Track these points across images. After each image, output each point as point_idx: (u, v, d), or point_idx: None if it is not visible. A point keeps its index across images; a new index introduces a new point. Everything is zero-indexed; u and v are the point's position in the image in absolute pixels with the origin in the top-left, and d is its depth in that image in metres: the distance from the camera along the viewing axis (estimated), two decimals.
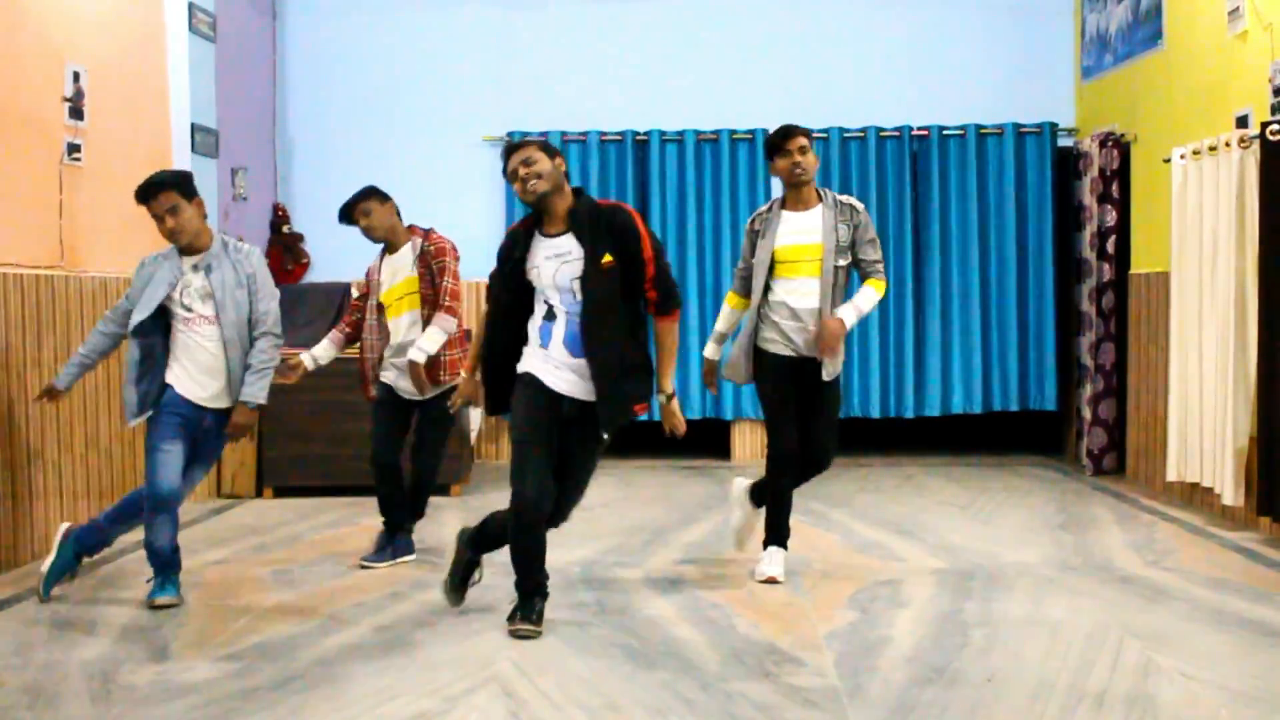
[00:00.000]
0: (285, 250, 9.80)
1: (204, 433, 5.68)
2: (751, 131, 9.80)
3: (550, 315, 5.02)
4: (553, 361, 4.99)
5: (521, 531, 4.96)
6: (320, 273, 9.86)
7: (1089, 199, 8.99)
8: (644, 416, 5.55)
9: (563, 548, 6.51)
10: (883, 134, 9.75)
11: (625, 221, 4.93)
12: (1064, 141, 9.84)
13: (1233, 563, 6.22)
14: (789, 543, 6.02)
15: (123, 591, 5.83)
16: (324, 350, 6.52)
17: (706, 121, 9.88)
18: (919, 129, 9.76)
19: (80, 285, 6.93)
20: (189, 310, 5.60)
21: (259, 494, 8.36)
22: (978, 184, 9.71)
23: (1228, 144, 6.96)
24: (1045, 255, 9.68)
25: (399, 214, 6.51)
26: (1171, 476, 7.61)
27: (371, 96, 10.05)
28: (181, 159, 8.09)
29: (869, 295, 5.80)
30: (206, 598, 5.73)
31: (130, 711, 4.20)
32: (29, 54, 6.54)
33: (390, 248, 6.45)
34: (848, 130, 9.76)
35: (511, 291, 5.09)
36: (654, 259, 4.94)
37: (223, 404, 5.65)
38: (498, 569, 6.23)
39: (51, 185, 6.74)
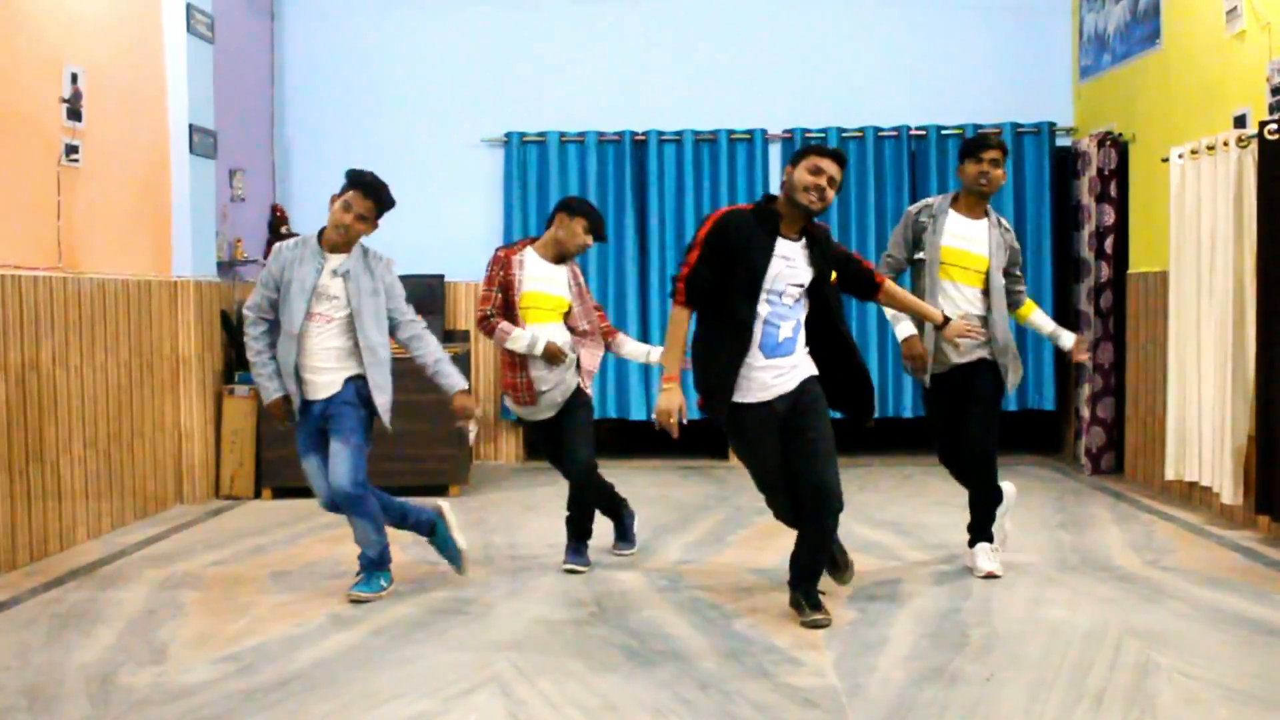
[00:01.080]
0: None
1: (326, 419, 5.64)
2: (750, 131, 9.80)
3: (755, 314, 5.03)
4: (762, 370, 5.08)
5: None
6: None
7: (1087, 198, 9.00)
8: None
9: (560, 547, 6.50)
10: (881, 134, 9.75)
11: (838, 245, 5.31)
12: (1062, 141, 9.85)
13: (1231, 561, 6.22)
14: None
15: (121, 593, 5.82)
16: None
17: (704, 122, 9.88)
18: (917, 129, 9.76)
19: (79, 286, 6.93)
20: (311, 309, 5.60)
21: (258, 495, 8.36)
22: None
23: (1225, 143, 6.96)
24: (1043, 255, 9.68)
25: None
26: (1170, 475, 7.61)
27: (369, 98, 10.05)
28: (180, 160, 8.10)
29: (1043, 315, 6.16)
30: (205, 599, 5.73)
31: (129, 713, 4.20)
32: (27, 55, 6.54)
33: (566, 258, 6.25)
34: (846, 130, 9.76)
35: (716, 280, 5.05)
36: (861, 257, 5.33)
37: (335, 389, 5.61)
38: (506, 569, 6.23)
39: (49, 186, 6.74)
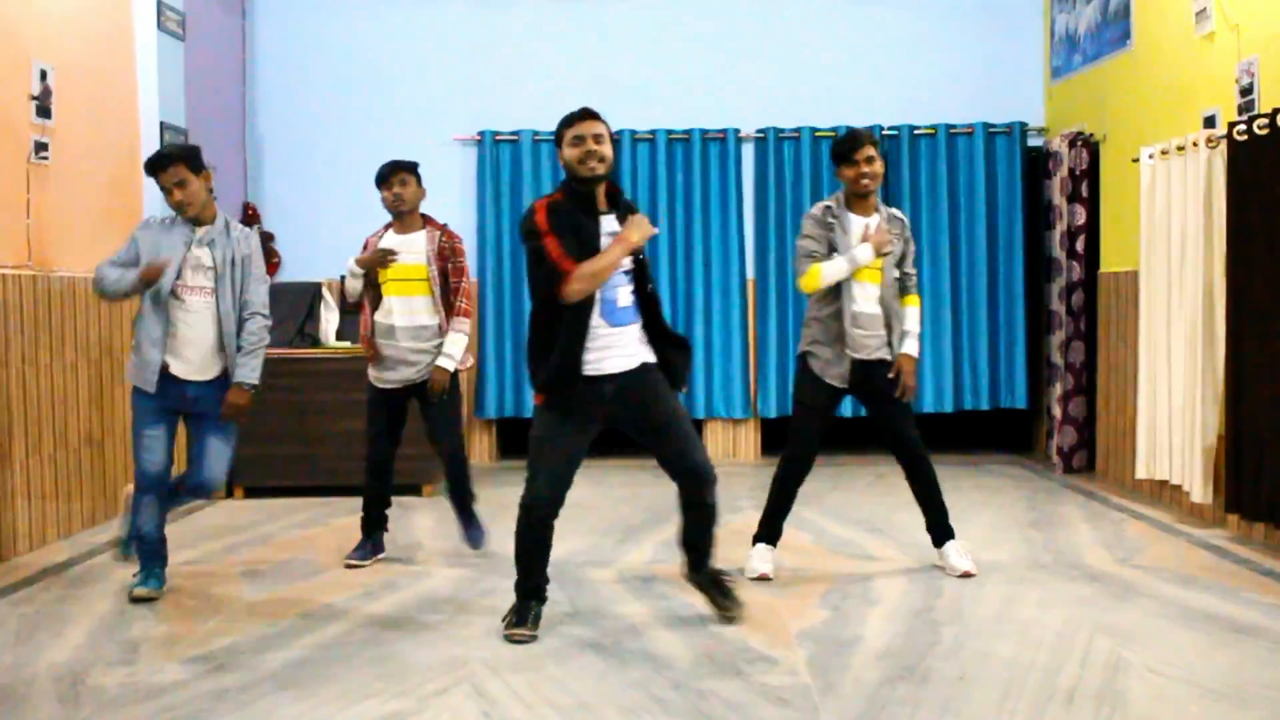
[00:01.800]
0: None
1: (195, 406, 5.65)
2: (724, 131, 9.81)
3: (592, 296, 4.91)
4: (610, 336, 4.94)
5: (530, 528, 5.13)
6: (291, 272, 9.82)
7: (1058, 198, 9.04)
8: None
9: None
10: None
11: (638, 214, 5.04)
12: (1034, 141, 9.89)
13: (1201, 560, 6.26)
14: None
15: (91, 592, 5.79)
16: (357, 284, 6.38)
17: (678, 121, 9.89)
18: (889, 129, 9.79)
19: (49, 285, 6.88)
20: (182, 281, 5.55)
21: (230, 494, 8.32)
22: (948, 184, 9.74)
23: (1195, 144, 7.01)
24: (1015, 254, 9.72)
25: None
26: (1141, 474, 7.65)
27: (342, 95, 10.02)
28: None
29: (916, 315, 5.96)
30: (177, 598, 5.70)
31: (99, 714, 4.17)
32: None
33: (403, 226, 6.32)
34: (819, 129, 9.78)
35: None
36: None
37: (209, 375, 5.62)
38: (479, 567, 6.23)
39: (19, 184, 6.69)
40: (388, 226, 6.40)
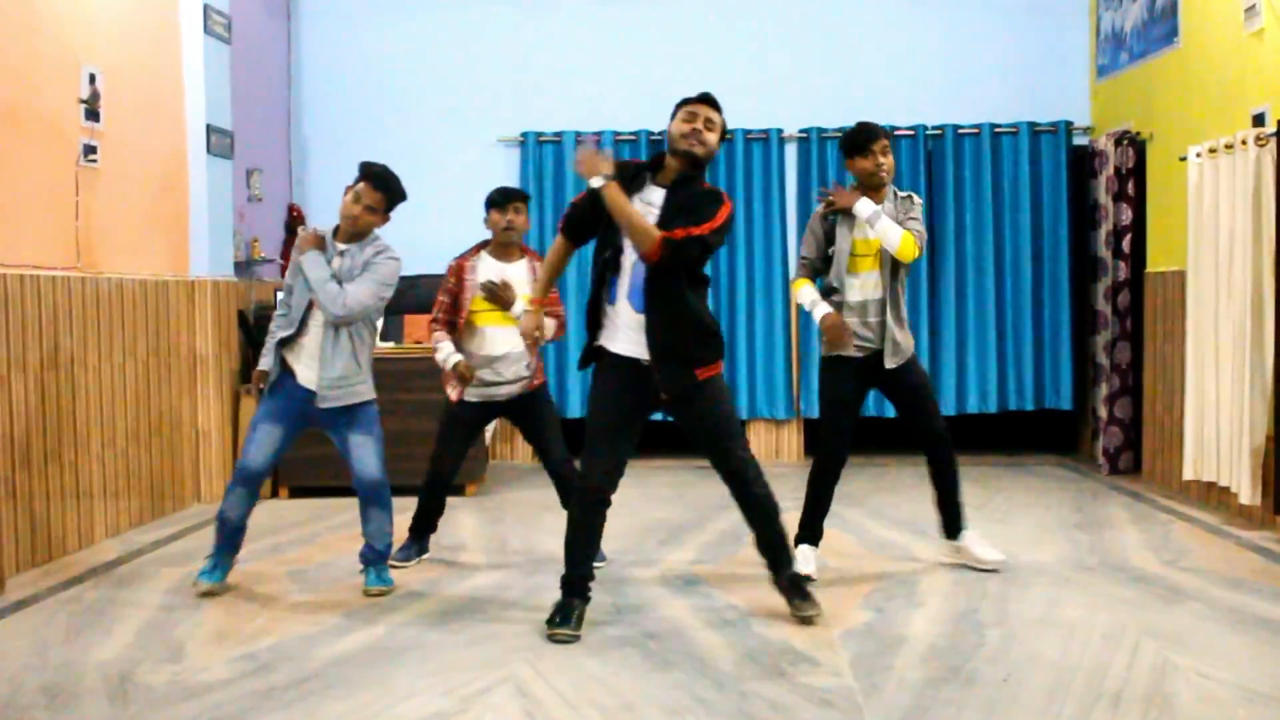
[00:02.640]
0: None
1: (321, 420, 5.78)
2: (766, 131, 9.79)
3: (614, 266, 4.97)
4: (620, 321, 4.99)
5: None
6: None
7: (1104, 197, 8.97)
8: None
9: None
10: (898, 132, 9.73)
11: (718, 201, 4.95)
12: (1079, 140, 9.82)
13: (1250, 562, 6.19)
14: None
15: (139, 592, 5.84)
16: (459, 354, 6.23)
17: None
18: (934, 128, 9.74)
19: (96, 287, 6.95)
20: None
21: (275, 494, 8.38)
22: (993, 183, 9.69)
23: (1244, 142, 6.93)
24: (1060, 254, 9.66)
25: None
26: (1188, 475, 7.59)
27: (386, 97, 10.07)
28: (197, 160, 8.12)
29: (893, 227, 5.69)
30: (223, 598, 5.74)
31: (147, 711, 4.21)
32: (45, 56, 6.57)
33: (505, 255, 6.27)
34: None
35: (588, 216, 5.03)
36: (700, 238, 4.83)
37: (321, 392, 5.66)
38: (522, 568, 6.24)
39: (68, 187, 6.76)
40: (479, 249, 6.33)
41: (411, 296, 9.02)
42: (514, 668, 4.62)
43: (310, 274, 5.55)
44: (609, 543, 6.59)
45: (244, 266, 8.93)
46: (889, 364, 5.82)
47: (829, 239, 5.92)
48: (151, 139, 7.73)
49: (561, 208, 9.70)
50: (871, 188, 5.87)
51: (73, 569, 6.29)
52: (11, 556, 6.09)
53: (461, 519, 7.54)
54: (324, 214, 9.94)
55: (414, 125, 9.99)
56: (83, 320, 6.80)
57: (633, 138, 9.82)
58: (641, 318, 4.94)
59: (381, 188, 5.64)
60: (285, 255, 9.73)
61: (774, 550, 5.28)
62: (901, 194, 5.94)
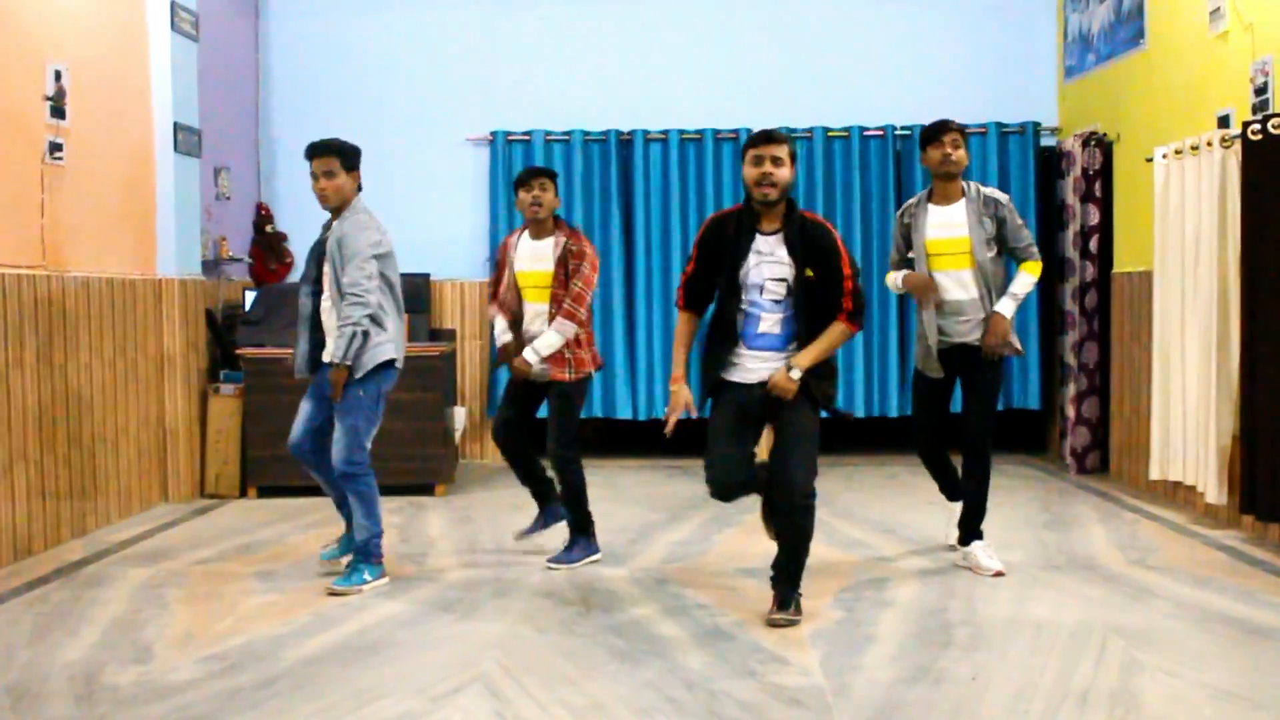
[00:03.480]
0: (268, 250, 9.78)
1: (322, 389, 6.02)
2: (736, 131, 9.80)
3: (738, 309, 5.22)
4: (745, 358, 5.24)
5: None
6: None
7: (1072, 198, 9.02)
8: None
9: (546, 548, 6.54)
10: (866, 133, 9.76)
11: (830, 243, 5.16)
12: (1047, 141, 9.87)
13: (1216, 561, 6.24)
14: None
15: (106, 592, 5.80)
16: (510, 334, 6.36)
17: (691, 121, 9.87)
18: (902, 128, 9.77)
19: (63, 285, 6.90)
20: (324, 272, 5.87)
21: (243, 494, 8.34)
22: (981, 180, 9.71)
23: (1209, 143, 6.98)
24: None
25: None
26: (1155, 475, 7.63)
27: (355, 96, 10.03)
28: (164, 158, 8.07)
29: (1024, 280, 5.99)
30: (190, 598, 5.71)
31: (113, 712, 4.18)
32: (10, 52, 6.51)
33: (538, 232, 6.31)
34: (831, 129, 9.77)
35: (709, 281, 5.33)
36: (851, 277, 5.16)
37: (325, 359, 5.90)
38: (492, 567, 6.23)
39: (33, 184, 6.71)
40: (523, 228, 6.41)
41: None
42: (484, 667, 4.61)
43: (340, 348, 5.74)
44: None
45: (212, 265, 8.88)
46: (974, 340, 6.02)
47: (907, 242, 6.17)
48: (118, 137, 7.67)
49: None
50: (941, 178, 6.02)
51: (39, 569, 6.24)
52: None
53: (431, 519, 7.52)
54: (292, 213, 9.91)
55: (383, 124, 9.94)
56: (48, 320, 6.74)
57: (602, 138, 9.81)
58: (760, 353, 5.21)
59: (321, 151, 5.82)
60: (254, 254, 9.69)
61: (785, 572, 5.29)
62: (985, 191, 6.06)
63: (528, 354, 6.14)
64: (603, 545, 6.59)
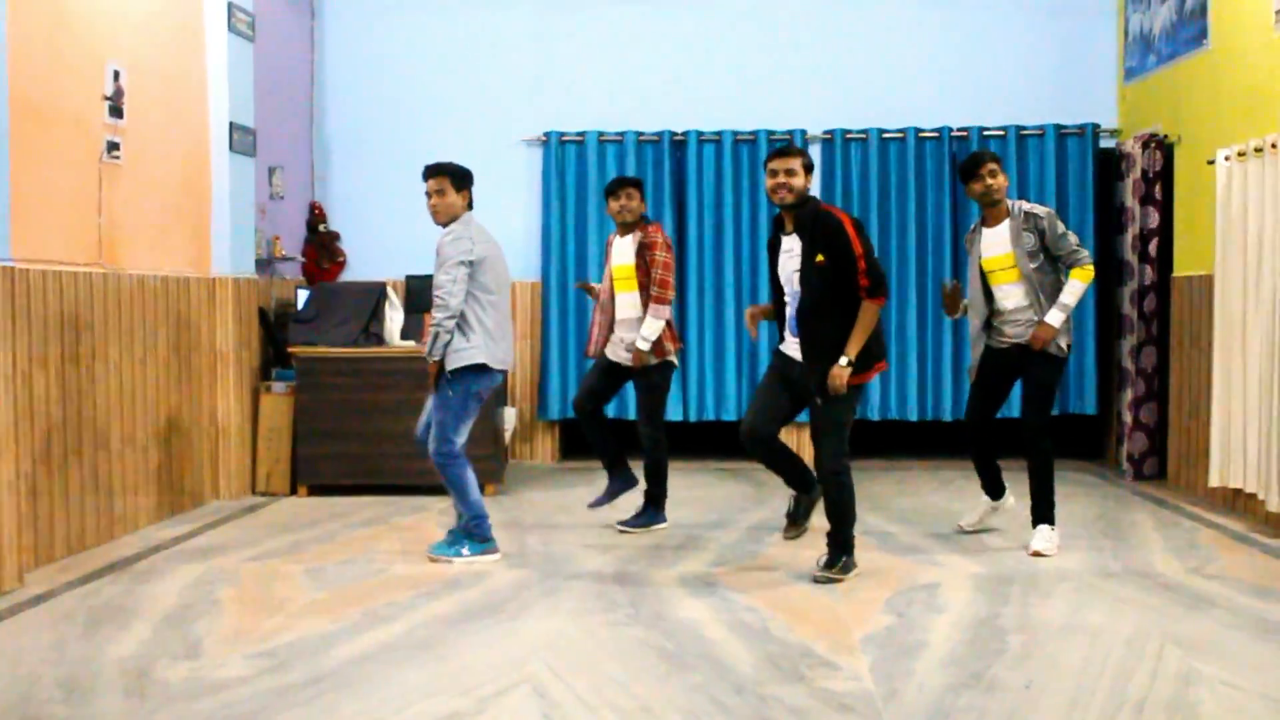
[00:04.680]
0: (321, 249, 9.84)
1: None
2: (790, 132, 9.76)
3: (783, 303, 6.13)
4: (789, 344, 6.15)
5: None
6: (356, 271, 9.90)
7: (1131, 201, 8.92)
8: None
9: (596, 548, 6.56)
10: (922, 135, 9.69)
11: (835, 226, 5.81)
12: (1106, 143, 9.76)
13: (1276, 570, 6.14)
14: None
15: (157, 588, 5.85)
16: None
17: (744, 122, 9.85)
18: (959, 130, 9.70)
19: (119, 283, 6.97)
20: None
21: (293, 492, 8.39)
22: (1018, 185, 9.63)
23: (1274, 145, 6.88)
24: None
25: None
26: (1214, 482, 7.53)
27: (409, 97, 10.08)
28: (219, 157, 8.14)
29: (1073, 287, 6.45)
30: (240, 595, 5.75)
31: (163, 707, 4.22)
32: (70, 53, 6.59)
33: (625, 232, 7.18)
34: (886, 131, 9.71)
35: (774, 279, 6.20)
36: (864, 255, 5.78)
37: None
38: (541, 568, 6.24)
39: (91, 183, 6.79)
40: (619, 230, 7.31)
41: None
42: (531, 669, 4.61)
43: (428, 346, 6.33)
44: (625, 546, 6.59)
45: (265, 264, 8.94)
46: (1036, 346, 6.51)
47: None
48: (174, 136, 7.75)
49: (585, 207, 9.73)
50: (987, 205, 6.58)
51: (91, 564, 6.31)
52: (31, 552, 6.11)
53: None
54: (345, 212, 9.97)
55: (436, 124, 9.99)
56: (104, 317, 6.82)
57: (655, 139, 9.80)
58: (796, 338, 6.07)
59: (435, 172, 6.45)
60: (307, 253, 9.75)
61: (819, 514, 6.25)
62: (1026, 208, 6.54)
63: (639, 343, 6.96)
64: (652, 547, 6.58)
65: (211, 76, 8.15)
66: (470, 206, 6.51)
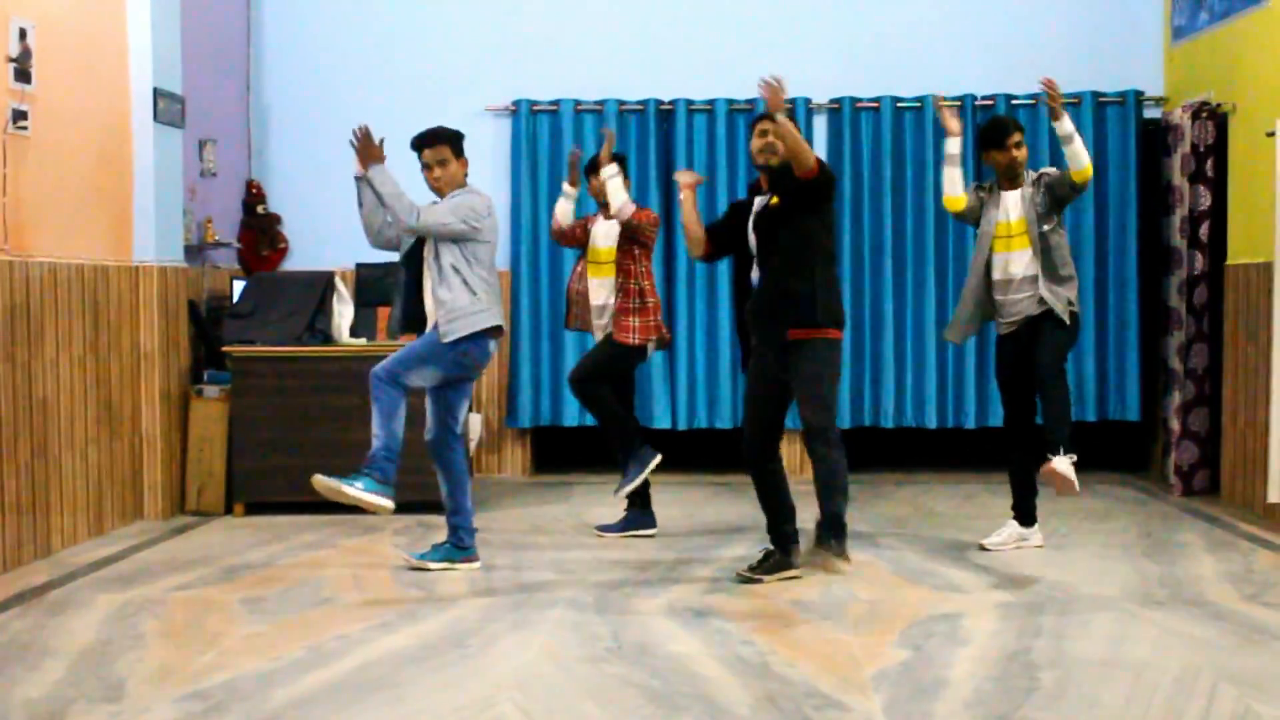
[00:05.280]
0: (260, 233, 9.82)
1: None
2: (792, 101, 9.72)
3: (749, 266, 6.65)
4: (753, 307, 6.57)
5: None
6: (300, 259, 9.88)
7: (1179, 179, 8.95)
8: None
9: (573, 573, 6.56)
10: (942, 104, 9.70)
11: (789, 166, 6.32)
12: (1151, 113, 9.80)
13: None
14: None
15: (73, 619, 5.84)
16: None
17: (740, 90, 9.82)
18: (984, 98, 9.73)
19: (26, 272, 6.95)
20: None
21: (228, 511, 8.38)
22: (1050, 162, 9.63)
23: None
24: (1128, 243, 9.64)
25: None
26: (1274, 498, 7.57)
27: (360, 60, 10.05)
28: (142, 129, 8.11)
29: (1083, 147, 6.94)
30: (168, 628, 5.74)
31: None
32: None
33: (608, 213, 7.60)
34: (902, 100, 9.75)
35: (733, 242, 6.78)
36: (817, 168, 6.30)
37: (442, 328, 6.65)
38: (509, 595, 6.24)
39: None
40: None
41: (389, 286, 8.99)
42: (500, 710, 4.61)
43: (382, 190, 6.61)
44: (609, 569, 6.60)
45: (195, 251, 8.93)
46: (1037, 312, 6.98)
47: (977, 211, 7.23)
48: (91, 104, 7.73)
49: (560, 183, 9.68)
50: (1008, 178, 7.07)
51: None
52: None
53: (441, 540, 7.51)
54: (286, 190, 9.96)
55: (391, 92, 9.95)
56: (8, 311, 6.79)
57: (639, 108, 9.81)
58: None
59: (428, 142, 6.81)
60: (243, 239, 9.74)
61: (822, 513, 6.30)
62: (1040, 173, 7.12)
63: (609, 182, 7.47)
64: (637, 572, 6.61)
65: (133, 36, 8.12)
66: (467, 174, 6.88)
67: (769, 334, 6.44)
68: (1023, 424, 7.25)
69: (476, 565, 6.81)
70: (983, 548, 7.21)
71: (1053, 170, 7.16)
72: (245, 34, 10.00)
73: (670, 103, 9.84)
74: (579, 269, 7.86)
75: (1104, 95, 9.68)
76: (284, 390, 8.26)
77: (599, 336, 7.75)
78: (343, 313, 8.65)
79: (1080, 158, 6.85)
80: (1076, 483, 6.64)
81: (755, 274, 6.56)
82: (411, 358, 6.61)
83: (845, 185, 9.77)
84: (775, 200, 6.44)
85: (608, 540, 7.48)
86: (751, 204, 6.67)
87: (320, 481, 6.36)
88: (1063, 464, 6.66)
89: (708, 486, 9.37)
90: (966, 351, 9.67)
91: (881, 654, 5.27)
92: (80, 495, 7.47)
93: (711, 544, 7.45)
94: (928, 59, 9.89)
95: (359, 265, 9.40)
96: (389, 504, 6.46)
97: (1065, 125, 6.88)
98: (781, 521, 6.64)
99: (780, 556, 6.55)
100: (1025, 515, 7.30)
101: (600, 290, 7.66)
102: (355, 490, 6.36)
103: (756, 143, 6.57)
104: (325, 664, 5.18)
